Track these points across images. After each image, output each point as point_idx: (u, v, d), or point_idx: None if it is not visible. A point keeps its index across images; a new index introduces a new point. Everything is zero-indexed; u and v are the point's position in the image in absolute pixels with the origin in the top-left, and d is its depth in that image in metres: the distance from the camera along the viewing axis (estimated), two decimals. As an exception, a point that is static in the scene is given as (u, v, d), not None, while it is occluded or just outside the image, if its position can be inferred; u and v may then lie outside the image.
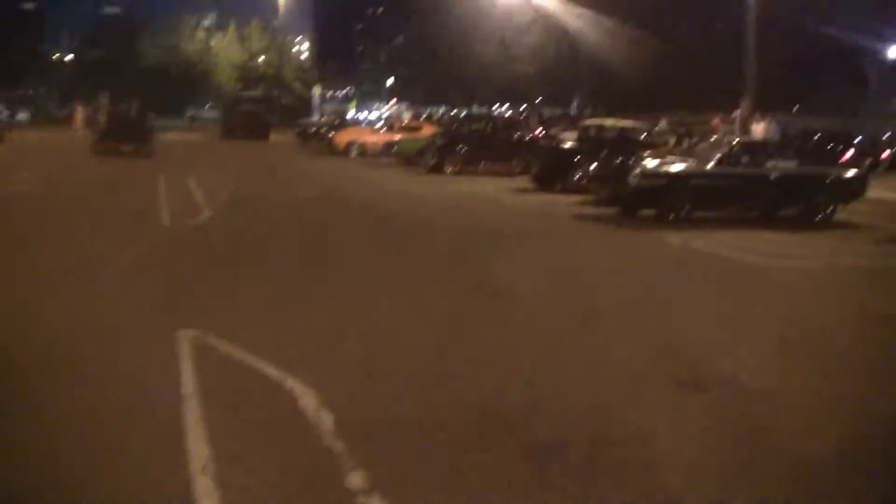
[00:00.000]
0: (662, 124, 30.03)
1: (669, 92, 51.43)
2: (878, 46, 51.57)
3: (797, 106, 39.15)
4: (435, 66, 53.52)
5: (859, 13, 49.13)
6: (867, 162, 24.00)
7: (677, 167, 15.81)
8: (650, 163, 16.06)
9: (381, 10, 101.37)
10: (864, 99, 55.51)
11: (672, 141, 21.82)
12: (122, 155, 30.14)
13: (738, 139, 17.14)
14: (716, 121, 28.29)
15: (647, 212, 16.02)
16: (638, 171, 15.57)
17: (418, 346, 7.12)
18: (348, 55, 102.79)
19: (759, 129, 24.65)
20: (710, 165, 15.76)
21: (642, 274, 11.11)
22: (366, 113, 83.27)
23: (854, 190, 16.53)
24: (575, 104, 58.34)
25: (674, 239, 13.74)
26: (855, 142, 35.29)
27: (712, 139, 19.53)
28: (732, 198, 15.91)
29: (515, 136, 28.30)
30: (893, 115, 54.66)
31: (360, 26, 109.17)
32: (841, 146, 27.56)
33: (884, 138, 40.43)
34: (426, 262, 11.36)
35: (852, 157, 23.20)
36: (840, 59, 50.88)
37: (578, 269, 11.19)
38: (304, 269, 10.61)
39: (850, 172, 16.82)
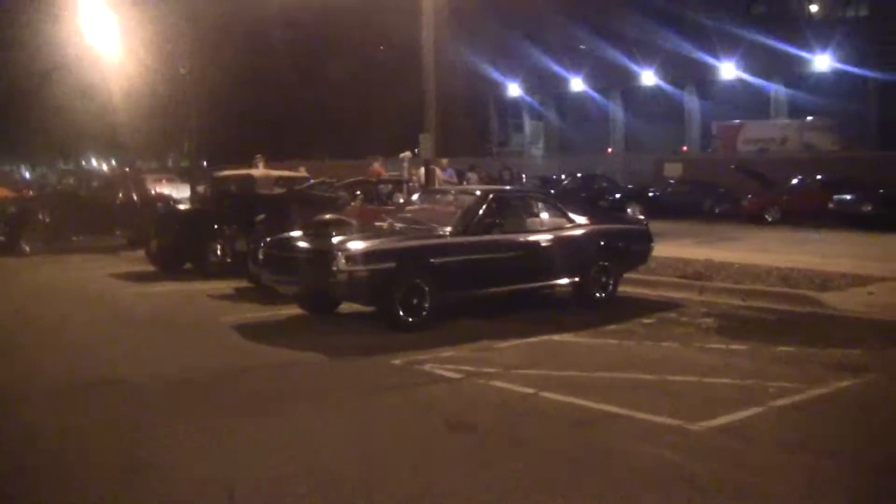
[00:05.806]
0: (302, 172, 24.11)
1: (297, 135, 45.88)
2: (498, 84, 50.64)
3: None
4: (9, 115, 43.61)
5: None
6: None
7: (408, 242, 9.96)
8: (358, 239, 9.90)
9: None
10: (486, 138, 54.74)
11: (357, 196, 15.73)
12: None
13: (485, 191, 11.41)
14: (375, 166, 22.59)
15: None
16: (342, 252, 9.37)
17: None
18: None
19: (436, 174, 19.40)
20: (449, 232, 10.12)
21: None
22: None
23: (641, 252, 11.79)
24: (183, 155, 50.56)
25: (443, 371, 7.89)
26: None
27: (424, 193, 13.80)
28: (493, 277, 10.32)
29: (119, 197, 20.93)
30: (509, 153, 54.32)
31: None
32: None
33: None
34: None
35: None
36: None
37: None
38: None
39: (634, 228, 12.09)
